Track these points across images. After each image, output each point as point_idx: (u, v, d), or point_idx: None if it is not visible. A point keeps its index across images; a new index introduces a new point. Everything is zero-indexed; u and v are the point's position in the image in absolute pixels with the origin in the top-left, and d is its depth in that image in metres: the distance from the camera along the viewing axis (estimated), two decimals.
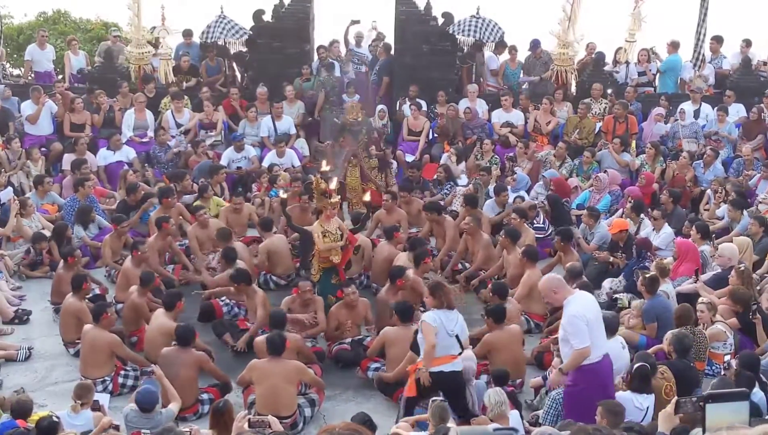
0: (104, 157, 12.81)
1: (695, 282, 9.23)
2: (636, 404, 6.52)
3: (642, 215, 10.83)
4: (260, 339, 7.81)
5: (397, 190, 11.63)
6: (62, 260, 9.41)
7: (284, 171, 12.42)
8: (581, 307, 6.43)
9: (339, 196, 9.27)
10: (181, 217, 11.06)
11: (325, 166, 9.31)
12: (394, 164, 13.19)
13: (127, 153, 12.91)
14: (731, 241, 9.88)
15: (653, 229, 10.48)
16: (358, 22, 15.68)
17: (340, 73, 14.71)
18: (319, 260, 8.82)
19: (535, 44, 14.95)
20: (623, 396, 6.60)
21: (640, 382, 6.63)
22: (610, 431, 5.42)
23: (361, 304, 8.62)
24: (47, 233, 10.72)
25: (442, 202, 12.22)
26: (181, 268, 10.22)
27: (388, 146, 13.50)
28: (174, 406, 6.89)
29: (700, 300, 8.30)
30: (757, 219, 10.12)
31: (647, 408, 6.52)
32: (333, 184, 9.06)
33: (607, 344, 6.71)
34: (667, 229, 10.45)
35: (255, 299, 8.73)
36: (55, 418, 6.02)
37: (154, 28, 14.72)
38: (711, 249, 9.85)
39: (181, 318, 8.38)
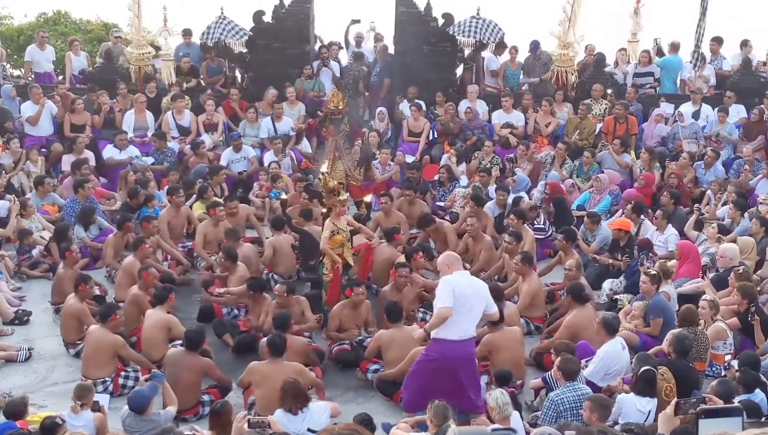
0: (110, 153, 12.85)
1: (702, 278, 9.24)
2: (639, 407, 6.50)
3: (642, 217, 10.85)
4: (265, 341, 7.82)
5: (402, 190, 11.66)
6: (61, 260, 9.41)
7: (287, 175, 12.45)
8: (458, 278, 6.78)
9: (347, 194, 9.26)
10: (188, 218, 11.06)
11: (324, 167, 9.29)
12: (391, 167, 13.12)
13: (132, 152, 12.94)
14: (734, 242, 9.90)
15: (656, 230, 10.49)
16: (358, 21, 15.71)
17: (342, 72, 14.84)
18: (332, 260, 8.81)
19: (535, 45, 14.97)
20: (626, 399, 6.58)
21: (644, 385, 6.60)
22: (613, 431, 5.43)
23: (363, 306, 8.62)
24: (47, 234, 10.76)
25: (441, 204, 12.26)
26: (176, 264, 10.26)
27: (388, 147, 13.53)
28: (172, 409, 6.89)
29: (703, 297, 8.31)
30: (759, 219, 10.12)
31: (649, 412, 6.49)
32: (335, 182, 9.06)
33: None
34: (671, 230, 10.46)
35: (263, 305, 8.72)
36: (59, 420, 6.01)
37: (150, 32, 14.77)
38: (714, 250, 9.88)
39: (180, 318, 8.40)
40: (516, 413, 6.49)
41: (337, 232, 8.72)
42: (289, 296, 8.58)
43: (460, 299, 6.69)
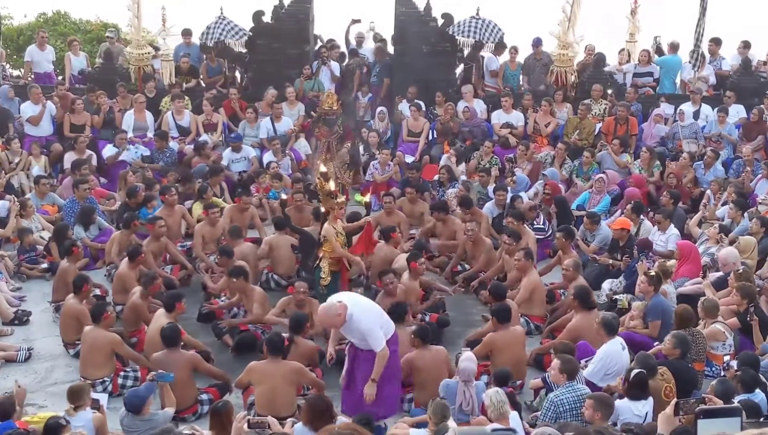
0: (109, 152, 12.84)
1: (703, 279, 9.24)
2: (636, 412, 6.46)
3: (642, 217, 10.85)
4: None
5: (405, 189, 11.70)
6: (65, 255, 9.35)
7: (286, 175, 12.46)
8: (363, 313, 6.84)
9: (344, 197, 9.26)
10: (183, 219, 11.04)
11: (321, 167, 9.29)
12: (391, 167, 13.11)
13: (131, 150, 12.93)
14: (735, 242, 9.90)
15: (658, 229, 10.48)
16: (358, 21, 15.71)
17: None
18: (330, 262, 8.83)
19: (536, 42, 14.94)
20: (621, 405, 6.53)
21: (637, 389, 6.55)
22: (611, 431, 5.42)
23: None
24: (47, 234, 10.76)
25: None
26: (179, 268, 10.23)
27: (388, 147, 13.54)
28: (170, 410, 6.89)
29: (701, 299, 8.30)
30: (759, 219, 10.11)
31: (646, 414, 6.47)
32: (332, 184, 9.06)
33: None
34: (673, 230, 10.46)
35: (252, 297, 8.73)
36: (63, 420, 6.01)
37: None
38: (714, 250, 9.88)
39: (180, 318, 8.39)
40: (515, 413, 6.49)
41: (337, 235, 8.74)
42: (308, 295, 8.58)
43: (377, 315, 6.99)
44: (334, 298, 7.03)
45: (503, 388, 7.03)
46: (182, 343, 7.69)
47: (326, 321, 7.00)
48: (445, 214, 10.79)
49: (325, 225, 8.79)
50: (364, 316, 6.85)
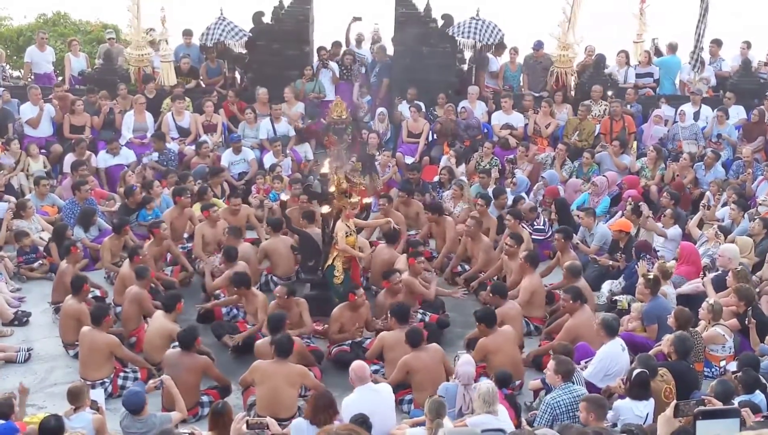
0: (104, 159, 12.83)
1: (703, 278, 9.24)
2: (636, 413, 6.46)
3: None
4: (261, 342, 7.81)
5: (397, 192, 11.69)
6: (64, 255, 9.35)
7: (286, 176, 12.46)
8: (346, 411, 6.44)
9: (358, 198, 9.31)
10: (189, 220, 11.02)
11: (324, 169, 9.30)
12: (391, 168, 13.11)
13: (127, 156, 12.93)
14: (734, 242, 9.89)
15: (662, 227, 10.47)
16: (359, 19, 15.66)
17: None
18: (342, 261, 8.82)
19: (537, 45, 14.91)
20: (622, 405, 6.55)
21: (639, 389, 6.56)
22: (609, 432, 5.43)
23: (363, 307, 8.63)
24: (47, 235, 10.75)
25: None
26: (180, 269, 10.22)
27: (387, 148, 13.51)
28: (174, 415, 6.86)
29: (706, 300, 8.30)
30: (762, 220, 10.10)
31: (647, 414, 6.47)
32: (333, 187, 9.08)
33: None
34: (677, 230, 10.45)
35: (255, 302, 8.72)
36: (60, 419, 6.00)
37: (152, 30, 14.76)
38: (714, 251, 9.88)
39: (180, 319, 8.39)
40: (502, 407, 6.47)
41: (350, 234, 8.78)
42: (289, 298, 8.58)
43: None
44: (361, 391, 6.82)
45: (504, 390, 7.05)
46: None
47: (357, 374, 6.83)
48: (439, 214, 10.77)
49: (338, 223, 8.83)
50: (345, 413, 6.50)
